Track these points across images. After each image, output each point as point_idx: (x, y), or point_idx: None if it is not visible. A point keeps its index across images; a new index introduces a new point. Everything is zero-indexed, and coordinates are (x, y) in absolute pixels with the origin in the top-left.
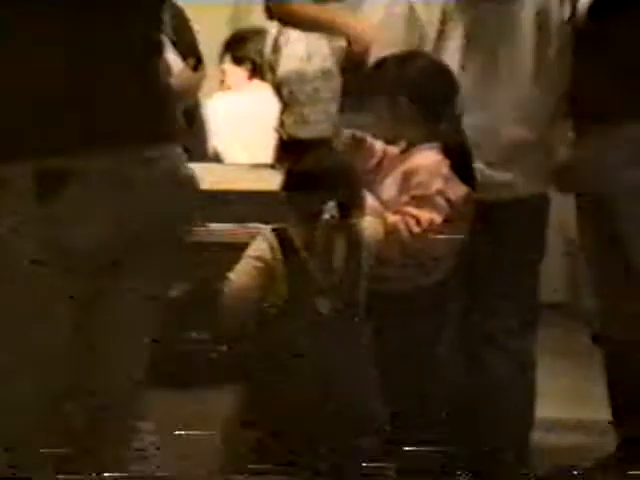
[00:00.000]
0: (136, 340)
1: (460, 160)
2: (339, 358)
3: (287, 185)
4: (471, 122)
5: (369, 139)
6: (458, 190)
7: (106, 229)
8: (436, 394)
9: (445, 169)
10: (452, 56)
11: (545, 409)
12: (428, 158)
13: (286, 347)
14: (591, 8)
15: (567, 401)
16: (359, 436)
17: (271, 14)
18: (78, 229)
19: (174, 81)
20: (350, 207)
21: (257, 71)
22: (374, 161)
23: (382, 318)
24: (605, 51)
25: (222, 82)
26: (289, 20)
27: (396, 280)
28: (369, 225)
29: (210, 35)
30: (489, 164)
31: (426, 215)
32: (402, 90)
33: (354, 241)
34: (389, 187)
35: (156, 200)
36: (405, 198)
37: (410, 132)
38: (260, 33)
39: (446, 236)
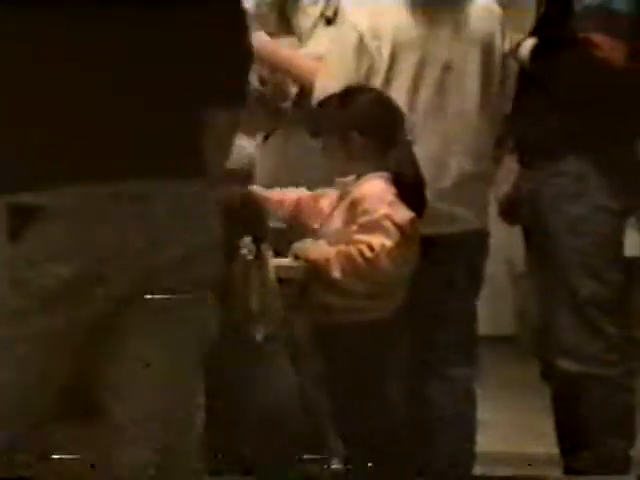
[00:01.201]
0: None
1: (411, 188)
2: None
3: None
4: (421, 154)
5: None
6: (404, 214)
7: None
8: (381, 425)
9: (390, 196)
10: (401, 88)
11: (492, 442)
12: (374, 187)
13: (226, 376)
14: (534, 48)
15: (514, 434)
16: (304, 464)
17: None
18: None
19: None
20: (260, 242)
21: None
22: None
23: (337, 349)
24: (547, 88)
25: None
26: None
27: (353, 312)
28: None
29: None
30: (439, 197)
31: (377, 240)
32: (352, 125)
33: (266, 276)
34: (336, 219)
35: (153, 238)
36: (354, 227)
37: (363, 164)
38: None
39: (400, 261)
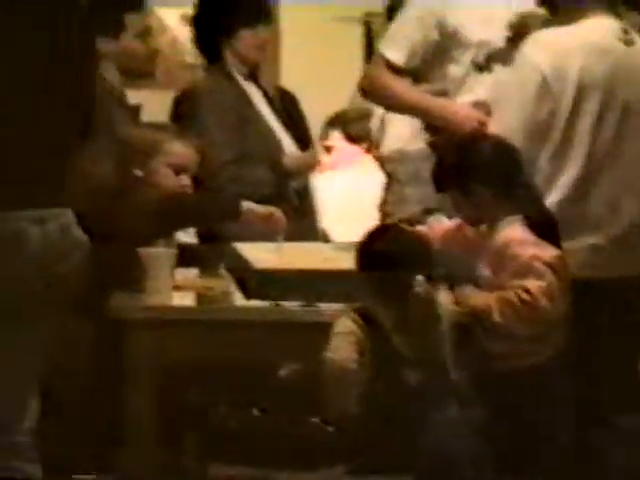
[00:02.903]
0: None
1: (544, 228)
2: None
3: (362, 265)
4: (597, 198)
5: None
6: (551, 252)
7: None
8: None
9: (532, 237)
10: (583, 131)
11: None
12: (514, 231)
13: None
14: None
15: None
16: None
17: (365, 94)
18: None
19: (287, 161)
20: (434, 281)
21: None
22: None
23: (497, 395)
24: None
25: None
26: (382, 102)
27: (512, 357)
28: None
29: None
30: (609, 241)
31: (532, 283)
32: (472, 177)
33: (435, 315)
34: (482, 267)
35: (49, 255)
36: (505, 274)
37: (489, 213)
38: (372, 114)
39: (557, 298)
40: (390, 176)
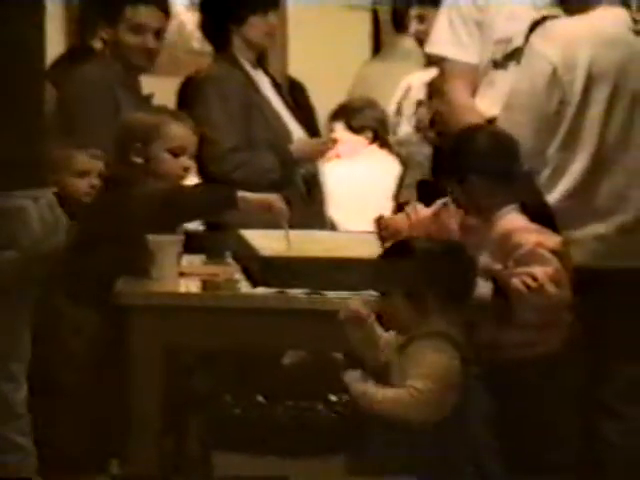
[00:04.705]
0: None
1: (541, 217)
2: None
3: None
4: (606, 187)
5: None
6: (554, 239)
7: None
8: (553, 462)
9: (533, 225)
10: (593, 120)
11: None
12: (514, 220)
13: None
14: None
15: None
16: None
17: (442, 117)
18: None
19: (294, 148)
20: None
21: (377, 139)
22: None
23: (503, 385)
24: None
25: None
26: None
27: (524, 346)
28: None
29: None
30: (619, 230)
31: (537, 269)
32: (468, 168)
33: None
34: (482, 256)
35: (44, 229)
36: (510, 263)
37: (485, 202)
38: (373, 103)
39: (562, 284)
40: (406, 160)
